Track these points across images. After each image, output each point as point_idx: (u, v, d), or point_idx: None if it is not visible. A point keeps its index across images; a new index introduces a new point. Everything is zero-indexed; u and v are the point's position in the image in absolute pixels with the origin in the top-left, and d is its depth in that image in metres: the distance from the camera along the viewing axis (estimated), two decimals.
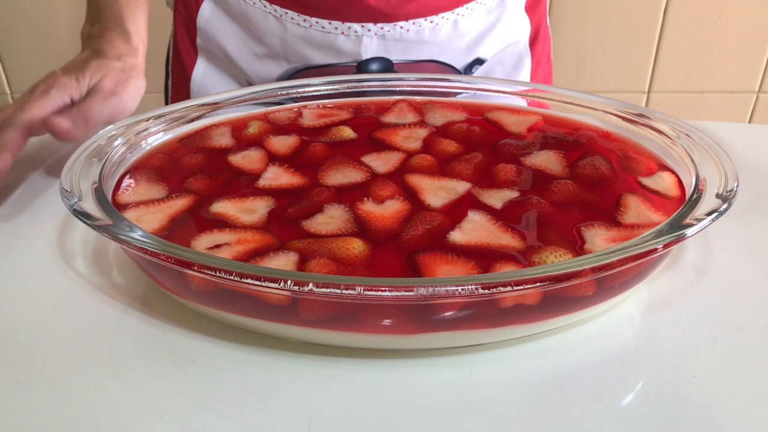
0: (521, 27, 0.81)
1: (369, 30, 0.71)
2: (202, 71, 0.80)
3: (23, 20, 1.35)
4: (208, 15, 0.77)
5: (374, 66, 0.74)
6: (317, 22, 0.71)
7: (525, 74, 0.83)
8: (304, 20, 0.71)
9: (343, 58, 0.74)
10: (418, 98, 0.61)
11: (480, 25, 0.77)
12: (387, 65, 0.75)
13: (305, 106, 0.61)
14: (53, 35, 1.37)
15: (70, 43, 1.37)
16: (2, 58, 1.40)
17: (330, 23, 0.71)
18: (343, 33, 0.71)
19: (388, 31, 0.72)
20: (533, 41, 0.82)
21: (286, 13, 0.72)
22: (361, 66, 0.74)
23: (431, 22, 0.72)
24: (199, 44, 0.79)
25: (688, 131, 0.48)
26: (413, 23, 0.72)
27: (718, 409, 0.34)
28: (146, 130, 0.53)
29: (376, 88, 0.62)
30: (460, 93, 0.62)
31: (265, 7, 0.72)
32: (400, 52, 0.74)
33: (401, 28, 0.72)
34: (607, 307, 0.41)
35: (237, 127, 0.56)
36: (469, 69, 0.78)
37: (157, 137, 0.53)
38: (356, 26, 0.71)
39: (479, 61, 0.78)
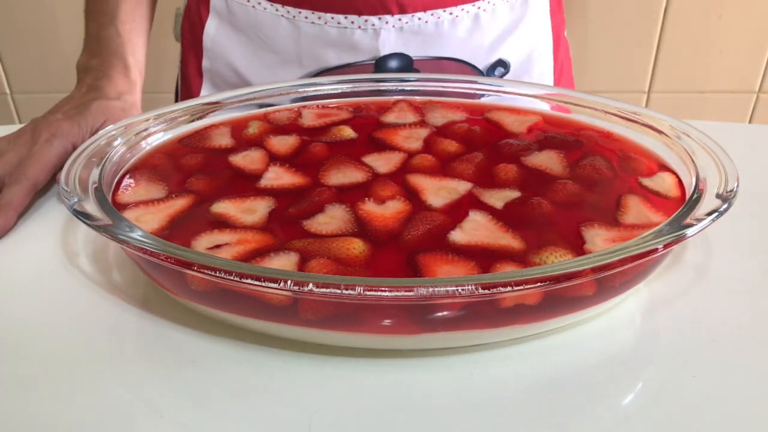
0: (543, 32, 0.80)
1: (387, 22, 0.70)
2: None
3: (23, 20, 1.35)
4: (213, 33, 0.76)
5: (393, 63, 0.72)
6: (332, 18, 0.70)
7: (548, 83, 0.81)
8: (319, 17, 0.70)
9: (360, 56, 0.72)
10: (418, 98, 0.61)
11: (502, 23, 0.75)
12: (406, 62, 0.73)
13: (305, 106, 0.61)
14: (53, 35, 1.37)
15: (70, 43, 1.37)
16: (2, 58, 1.39)
17: (346, 18, 0.70)
18: (360, 27, 0.70)
19: (407, 23, 0.70)
20: (555, 50, 0.81)
21: (300, 12, 0.70)
22: (379, 64, 0.72)
23: (450, 14, 0.71)
24: (204, 67, 0.78)
25: (688, 131, 0.48)
26: (432, 14, 0.70)
27: (718, 409, 0.34)
28: (146, 130, 0.52)
29: (391, 87, 0.61)
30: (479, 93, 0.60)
31: (276, 10, 0.71)
32: (419, 46, 0.72)
33: (419, 19, 0.70)
34: (607, 307, 0.41)
35: (237, 127, 0.56)
36: (491, 70, 0.77)
37: (157, 137, 0.53)
38: (373, 19, 0.70)
39: (502, 64, 0.76)
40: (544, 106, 0.59)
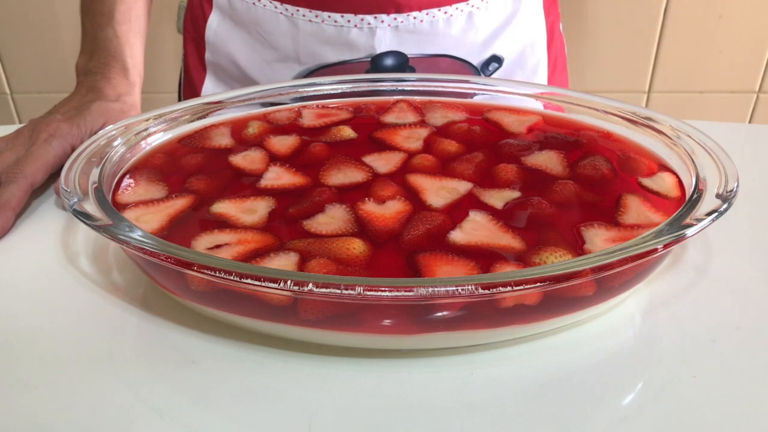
0: (537, 26, 0.80)
1: (382, 21, 0.71)
2: (210, 88, 0.80)
3: (23, 20, 1.35)
4: (216, 27, 0.77)
5: (389, 61, 0.73)
6: (329, 16, 0.71)
7: (542, 78, 0.82)
8: (316, 16, 0.71)
9: (356, 54, 0.74)
10: (418, 98, 0.61)
11: (495, 20, 0.76)
12: (402, 60, 0.74)
13: (305, 106, 0.61)
14: (53, 35, 1.36)
15: (70, 43, 1.37)
16: (2, 58, 1.39)
17: (342, 16, 0.71)
18: (356, 26, 0.71)
19: (402, 21, 0.71)
20: (549, 44, 0.82)
21: (298, 10, 0.72)
22: (376, 61, 0.73)
23: (445, 12, 0.72)
24: (207, 59, 0.79)
25: (688, 131, 0.48)
26: (427, 13, 0.72)
27: (718, 409, 0.34)
28: (146, 130, 0.53)
29: (388, 88, 0.62)
30: (474, 94, 0.61)
31: (275, 8, 0.72)
32: (414, 45, 0.74)
33: (415, 18, 0.72)
34: (607, 307, 0.41)
35: (237, 128, 0.56)
36: (485, 66, 0.78)
37: (157, 137, 0.53)
38: (369, 18, 0.71)
39: (496, 59, 0.77)
40: (541, 106, 0.58)
